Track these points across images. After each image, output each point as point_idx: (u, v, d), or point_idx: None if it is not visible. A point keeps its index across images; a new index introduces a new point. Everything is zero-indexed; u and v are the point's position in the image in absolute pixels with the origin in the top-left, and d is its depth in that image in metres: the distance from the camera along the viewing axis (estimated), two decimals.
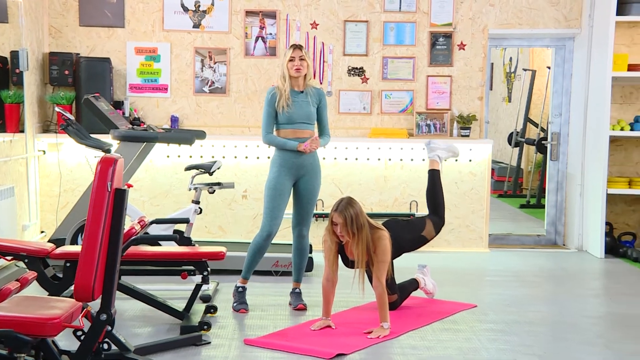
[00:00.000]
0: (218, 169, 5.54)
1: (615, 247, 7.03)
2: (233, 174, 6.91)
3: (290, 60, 4.83)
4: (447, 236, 7.10)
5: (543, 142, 8.56)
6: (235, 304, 4.86)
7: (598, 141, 6.92)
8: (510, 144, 11.17)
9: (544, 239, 7.55)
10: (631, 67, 6.84)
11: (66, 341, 3.84)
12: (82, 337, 3.30)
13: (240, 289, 4.92)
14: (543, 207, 8.16)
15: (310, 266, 5.87)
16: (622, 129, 6.94)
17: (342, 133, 7.07)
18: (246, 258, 4.95)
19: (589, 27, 7.08)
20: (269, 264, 5.81)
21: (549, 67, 9.27)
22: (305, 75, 4.87)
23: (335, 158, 7.02)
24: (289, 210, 5.03)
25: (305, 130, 4.87)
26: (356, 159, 7.03)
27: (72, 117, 5.54)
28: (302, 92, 4.88)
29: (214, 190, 5.48)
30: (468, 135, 7.04)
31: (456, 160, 7.01)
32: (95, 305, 3.41)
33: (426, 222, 4.99)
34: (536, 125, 10.58)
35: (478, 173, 7.10)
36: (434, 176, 5.16)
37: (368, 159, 7.04)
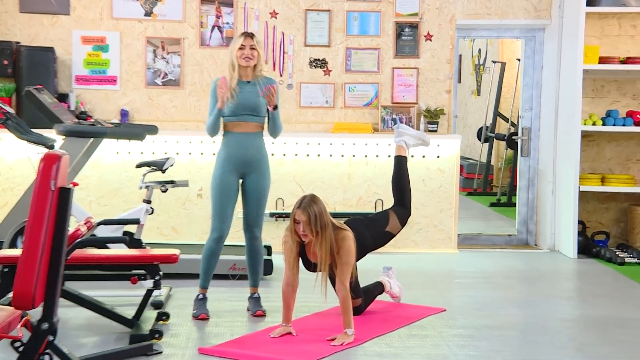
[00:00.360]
0: (171, 166, 5.51)
1: (588, 246, 7.08)
2: (187, 172, 6.85)
3: (240, 49, 4.80)
4: (414, 237, 7.12)
5: (513, 137, 8.64)
6: (194, 311, 4.83)
7: (570, 136, 6.97)
8: (479, 139, 11.24)
9: (515, 238, 7.61)
10: (602, 60, 6.90)
11: (3, 354, 3.77)
12: (20, 349, 3.23)
13: (200, 297, 4.91)
14: (514, 205, 8.22)
15: (269, 269, 5.87)
16: (594, 124, 6.98)
17: (303, 128, 7.08)
18: (201, 265, 4.92)
19: (559, 17, 7.13)
20: (225, 267, 5.78)
21: (518, 59, 9.35)
22: (255, 65, 4.84)
23: (296, 154, 7.02)
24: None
25: (251, 123, 4.82)
26: (318, 155, 7.03)
27: (12, 111, 5.44)
28: (249, 82, 4.84)
29: (167, 189, 5.44)
30: (436, 130, 7.07)
31: (423, 156, 7.03)
32: (36, 314, 3.33)
33: (390, 216, 4.98)
34: (506, 119, 10.68)
35: (446, 170, 7.12)
36: (400, 163, 5.15)
37: (331, 155, 7.05)
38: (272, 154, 6.93)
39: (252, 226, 4.89)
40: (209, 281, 4.94)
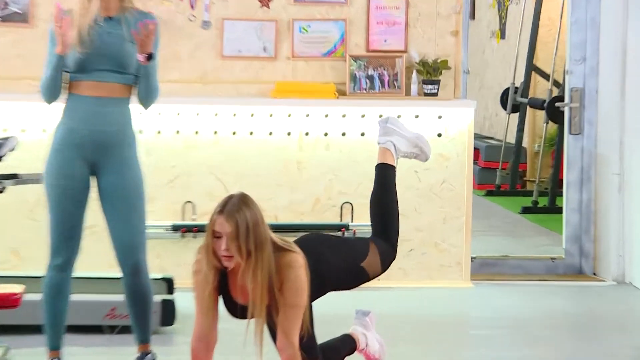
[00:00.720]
0: (12, 150, 5.49)
1: None
2: (39, 160, 6.67)
3: None
4: (403, 262, 7.08)
5: (557, 104, 8.62)
6: None
7: None
8: (504, 107, 11.37)
9: (561, 264, 7.61)
10: None
11: None
12: None
13: None
14: (559, 210, 8.21)
15: (170, 316, 5.83)
16: None
17: (227, 90, 7.11)
18: (43, 312, 4.91)
19: None
20: (99, 313, 5.76)
21: None
22: None
23: (215, 132, 7.06)
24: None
25: (111, 84, 4.83)
26: (251, 133, 7.07)
27: None
28: (111, 18, 4.87)
29: (4, 188, 5.43)
30: (436, 94, 7.06)
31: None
32: None
33: (370, 247, 4.95)
34: (546, 76, 10.75)
35: (453, 155, 7.13)
36: (385, 174, 5.18)
37: (271, 134, 7.09)
38: (177, 132, 6.99)
39: (128, 252, 4.89)
40: (62, 336, 4.91)
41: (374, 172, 5.20)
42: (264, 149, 7.07)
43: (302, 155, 7.09)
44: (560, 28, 10.27)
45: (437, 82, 7.04)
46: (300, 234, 4.91)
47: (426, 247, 7.14)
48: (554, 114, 9.71)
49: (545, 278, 7.46)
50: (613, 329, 6.25)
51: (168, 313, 5.80)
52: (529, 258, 7.72)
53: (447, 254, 7.15)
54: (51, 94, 4.86)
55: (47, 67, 4.85)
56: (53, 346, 4.88)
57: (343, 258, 4.81)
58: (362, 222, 6.81)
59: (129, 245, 4.89)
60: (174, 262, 6.77)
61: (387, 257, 4.98)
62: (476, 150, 10.99)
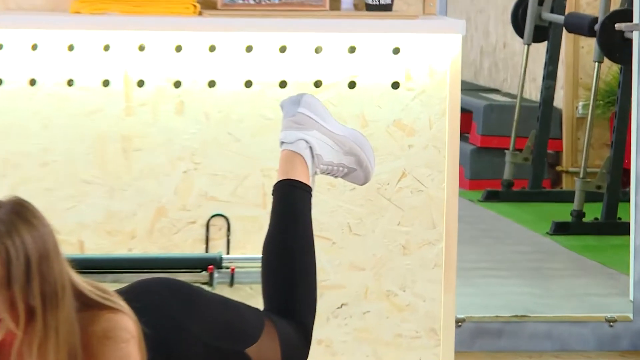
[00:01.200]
0: None
1: None
2: None
3: None
4: (325, 330, 7.21)
5: (619, 26, 8.75)
6: None
7: None
8: (519, 32, 11.55)
9: (626, 330, 7.92)
10: None
11: None
12: None
13: None
14: (624, 230, 8.67)
15: None
16: None
17: None
18: None
19: None
20: None
21: None
22: None
23: None
24: None
25: None
26: (32, 82, 7.20)
27: None
28: None
29: None
30: (389, 7, 7.31)
31: (352, 84, 7.24)
32: None
33: (265, 325, 5.12)
34: None
35: (421, 126, 7.28)
36: (291, 202, 5.45)
37: (71, 84, 7.20)
38: None
39: None
40: None
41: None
42: (59, 112, 7.18)
43: (132, 126, 7.20)
44: None
45: None
46: (131, 278, 4.97)
47: (371, 300, 7.27)
48: (613, 46, 9.94)
49: (597, 357, 7.64)
50: None
51: None
52: (566, 320, 7.92)
53: (411, 314, 7.30)
54: None
55: None
56: None
57: (214, 330, 5.01)
58: (244, 254, 7.00)
59: None
60: None
61: (293, 351, 5.19)
62: (466, 114, 11.37)
